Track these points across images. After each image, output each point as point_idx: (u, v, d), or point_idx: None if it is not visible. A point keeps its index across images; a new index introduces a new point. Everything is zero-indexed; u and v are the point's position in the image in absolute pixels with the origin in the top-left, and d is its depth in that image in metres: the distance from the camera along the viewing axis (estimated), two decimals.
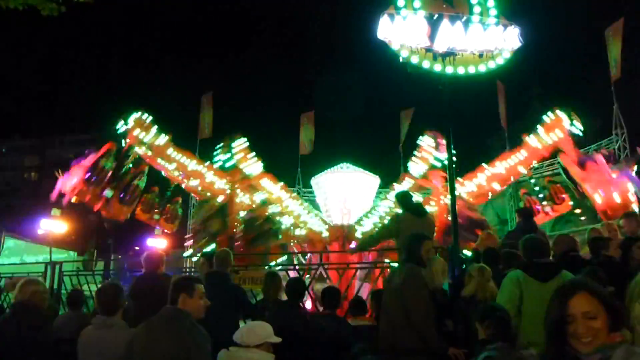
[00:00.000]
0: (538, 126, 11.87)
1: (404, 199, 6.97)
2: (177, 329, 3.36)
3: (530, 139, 11.91)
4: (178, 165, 12.28)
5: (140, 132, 11.96)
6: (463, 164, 13.13)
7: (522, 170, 12.31)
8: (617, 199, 10.27)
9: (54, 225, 19.55)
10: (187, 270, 10.51)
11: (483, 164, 12.57)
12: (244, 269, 7.78)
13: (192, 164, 12.30)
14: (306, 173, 19.94)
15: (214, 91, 21.08)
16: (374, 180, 14.35)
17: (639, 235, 6.16)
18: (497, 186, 12.66)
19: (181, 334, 3.35)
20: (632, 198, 10.22)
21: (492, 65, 6.70)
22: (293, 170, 21.48)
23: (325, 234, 12.96)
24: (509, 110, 21.40)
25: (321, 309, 5.87)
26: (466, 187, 12.18)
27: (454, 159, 7.35)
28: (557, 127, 11.56)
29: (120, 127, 12.05)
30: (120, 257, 15.03)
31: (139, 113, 12.12)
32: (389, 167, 20.52)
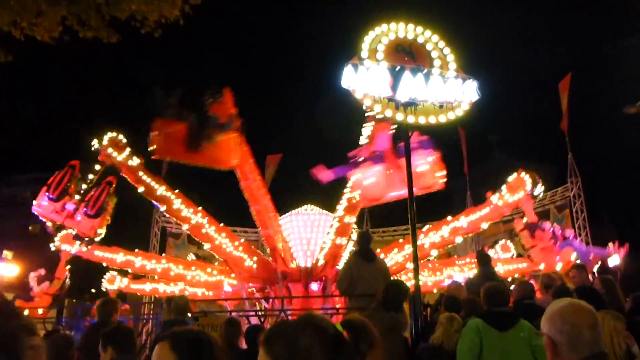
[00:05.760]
0: (503, 186, 12.25)
1: (360, 239, 7.05)
2: None
3: (494, 198, 12.22)
4: (146, 189, 12.17)
5: (113, 152, 12.08)
6: (425, 206, 13.44)
7: (484, 226, 12.54)
8: (558, 267, 10.94)
9: (4, 268, 18.69)
10: (145, 317, 10.16)
11: (447, 218, 12.82)
12: (203, 316, 7.58)
13: (161, 189, 12.23)
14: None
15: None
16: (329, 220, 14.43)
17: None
18: (459, 239, 12.92)
19: None
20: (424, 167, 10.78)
21: (451, 116, 6.95)
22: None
23: (251, 263, 12.43)
24: (469, 155, 22.12)
25: None
26: (430, 238, 12.39)
27: None
28: (520, 188, 11.97)
29: (94, 145, 12.19)
30: (74, 301, 14.41)
31: (114, 134, 12.35)
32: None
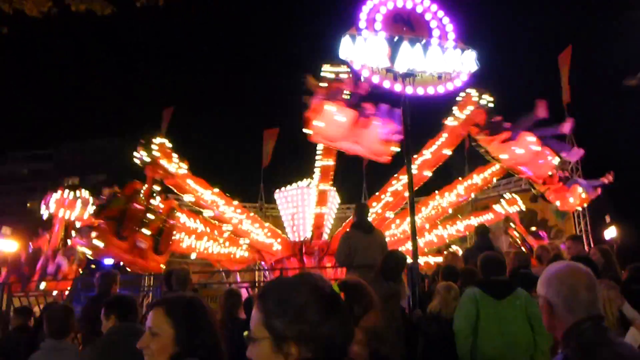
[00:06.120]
0: (453, 108, 12.19)
1: (357, 211, 7.03)
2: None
3: (448, 121, 12.27)
4: (196, 197, 11.80)
5: (167, 163, 10.83)
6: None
7: (448, 152, 12.58)
8: (571, 200, 11.97)
9: (3, 243, 18.73)
10: (146, 289, 10.24)
11: (459, 178, 13.48)
12: (203, 288, 7.65)
13: (208, 194, 12.04)
14: (268, 189, 19.93)
15: (174, 105, 20.87)
16: (336, 197, 14.47)
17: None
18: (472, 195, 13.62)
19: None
20: (555, 162, 11.27)
21: (450, 87, 6.90)
22: (254, 185, 21.48)
23: (277, 247, 12.76)
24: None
25: None
26: (447, 198, 13.00)
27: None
28: (468, 104, 11.88)
29: (141, 156, 10.67)
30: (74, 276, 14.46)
31: (160, 139, 11.03)
32: (349, 184, 20.71)
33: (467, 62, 6.92)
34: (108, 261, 12.89)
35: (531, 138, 10.46)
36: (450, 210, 13.64)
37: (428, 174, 12.62)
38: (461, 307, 4.54)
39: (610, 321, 4.01)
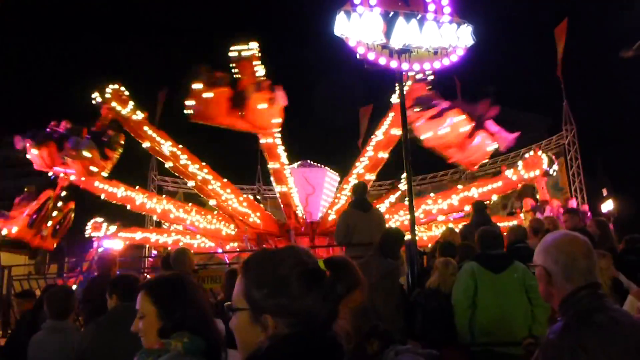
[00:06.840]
0: (519, 162, 12.32)
1: (355, 189, 7.04)
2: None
3: (509, 172, 12.31)
4: (152, 144, 12.04)
5: (117, 105, 11.79)
6: (420, 158, 13.50)
7: (494, 198, 12.70)
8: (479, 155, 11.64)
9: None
10: (145, 270, 10.31)
11: (458, 186, 13.28)
12: (203, 268, 7.68)
13: (168, 145, 12.13)
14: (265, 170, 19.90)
15: (169, 86, 20.68)
16: (336, 178, 14.46)
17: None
18: (467, 207, 12.94)
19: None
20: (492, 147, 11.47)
21: (446, 62, 6.84)
22: (250, 168, 21.46)
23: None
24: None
25: None
26: (438, 205, 12.62)
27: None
28: (536, 167, 11.92)
29: (95, 99, 11.85)
30: (74, 259, 14.53)
31: (116, 86, 12.02)
32: (347, 165, 20.70)
33: (463, 36, 6.85)
34: (107, 243, 12.93)
35: (459, 117, 10.01)
36: (441, 217, 13.19)
37: (384, 155, 12.67)
38: (459, 281, 4.58)
39: (603, 289, 4.06)
